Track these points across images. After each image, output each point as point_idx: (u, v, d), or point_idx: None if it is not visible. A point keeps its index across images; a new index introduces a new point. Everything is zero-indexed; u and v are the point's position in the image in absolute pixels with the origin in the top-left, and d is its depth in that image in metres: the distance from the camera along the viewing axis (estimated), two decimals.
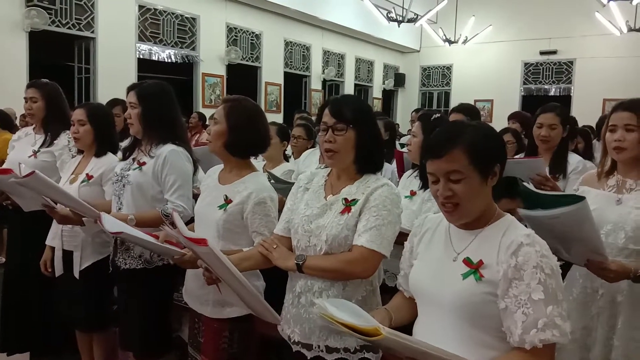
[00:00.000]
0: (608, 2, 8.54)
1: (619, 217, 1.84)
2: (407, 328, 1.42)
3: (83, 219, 2.19)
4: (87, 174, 2.47)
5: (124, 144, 2.49)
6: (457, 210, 1.27)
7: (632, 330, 1.82)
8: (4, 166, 2.34)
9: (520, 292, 1.17)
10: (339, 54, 12.49)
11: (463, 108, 3.27)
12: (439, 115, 2.34)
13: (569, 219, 1.60)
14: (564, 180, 2.59)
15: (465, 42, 12.03)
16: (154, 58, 8.29)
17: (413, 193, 2.31)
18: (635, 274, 1.71)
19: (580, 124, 4.33)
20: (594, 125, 5.54)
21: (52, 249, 2.58)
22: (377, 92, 14.04)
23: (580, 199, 1.61)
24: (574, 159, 2.67)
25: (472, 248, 1.29)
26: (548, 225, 1.62)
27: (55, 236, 2.54)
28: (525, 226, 1.30)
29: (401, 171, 2.73)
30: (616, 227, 1.84)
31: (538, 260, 1.17)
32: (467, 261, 1.27)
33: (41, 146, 2.82)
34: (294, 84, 11.39)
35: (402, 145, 4.09)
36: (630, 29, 10.07)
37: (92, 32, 7.41)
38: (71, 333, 2.69)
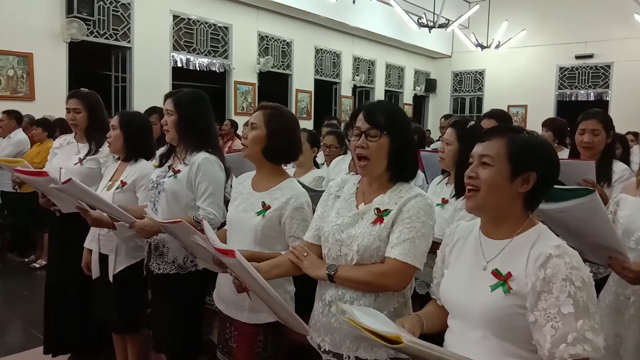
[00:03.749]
0: None
1: None
2: (439, 336, 1.41)
3: (115, 223, 2.27)
4: (121, 181, 2.54)
5: (161, 151, 2.55)
6: (475, 196, 1.28)
7: None
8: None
9: (549, 305, 1.14)
10: (370, 61, 12.49)
11: (495, 114, 3.23)
12: (474, 122, 2.31)
13: (579, 212, 1.57)
14: (609, 189, 2.50)
15: (497, 46, 11.86)
16: (188, 67, 8.46)
17: (445, 201, 2.28)
18: None
19: (617, 130, 4.22)
20: (638, 130, 5.39)
21: (90, 251, 2.65)
22: (407, 98, 13.96)
23: (591, 192, 1.57)
24: (619, 167, 2.59)
25: (502, 258, 1.27)
26: (562, 221, 1.59)
27: (93, 239, 2.61)
28: (558, 236, 1.28)
29: (422, 169, 2.77)
30: None
31: (567, 272, 1.14)
32: (496, 273, 1.25)
33: (87, 154, 2.90)
34: (325, 90, 11.43)
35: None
36: None
37: (129, 42, 7.62)
38: (108, 334, 2.76)
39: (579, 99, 12.43)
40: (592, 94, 12.33)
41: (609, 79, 12.09)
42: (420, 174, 3.17)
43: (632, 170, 2.78)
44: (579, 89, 12.52)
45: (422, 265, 1.54)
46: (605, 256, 1.73)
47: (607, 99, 12.04)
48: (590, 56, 12.10)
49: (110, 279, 2.53)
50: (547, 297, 1.15)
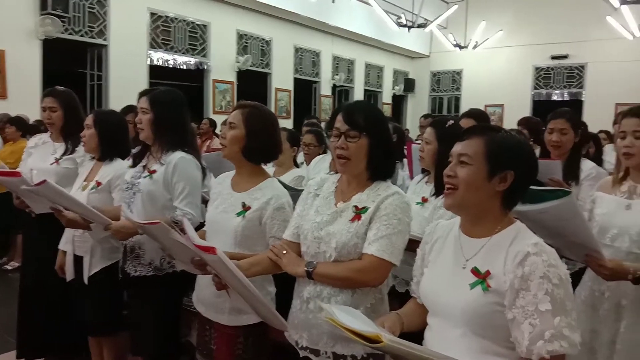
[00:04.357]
0: (620, 5, 8.47)
1: (626, 222, 1.86)
2: (419, 334, 1.42)
3: (90, 224, 2.24)
4: (96, 181, 2.50)
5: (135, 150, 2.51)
6: (454, 194, 1.30)
7: (634, 334, 1.83)
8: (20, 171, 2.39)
9: (527, 302, 1.16)
10: (349, 60, 12.52)
11: (473, 113, 3.27)
12: (452, 122, 2.33)
13: (556, 213, 1.60)
14: (577, 187, 2.55)
15: (475, 47, 12.01)
16: (165, 65, 8.37)
17: (425, 200, 2.30)
18: (635, 275, 1.71)
19: (592, 129, 4.30)
20: (610, 129, 5.50)
21: (65, 253, 2.60)
22: (387, 97, 14.04)
23: (567, 193, 1.60)
24: (587, 165, 2.64)
25: (481, 257, 1.29)
26: (540, 221, 1.61)
27: (68, 241, 2.57)
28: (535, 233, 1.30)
29: (410, 162, 2.85)
30: (621, 231, 1.86)
31: (545, 270, 1.16)
32: (475, 271, 1.27)
33: (63, 154, 2.84)
34: (304, 89, 11.42)
35: None
36: None
37: (105, 39, 7.50)
38: (85, 337, 2.71)
39: (554, 99, 12.65)
40: (566, 93, 12.57)
41: (583, 79, 12.34)
42: (400, 172, 3.19)
43: (604, 169, 2.85)
44: (554, 88, 12.75)
45: (398, 261, 1.56)
46: (581, 254, 1.76)
47: (582, 98, 12.28)
48: (565, 57, 12.33)
49: (85, 281, 2.48)
50: (525, 295, 1.17)
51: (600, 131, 6.31)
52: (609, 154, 4.41)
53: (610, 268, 1.72)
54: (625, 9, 8.87)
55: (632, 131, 1.87)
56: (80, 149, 2.81)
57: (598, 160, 3.73)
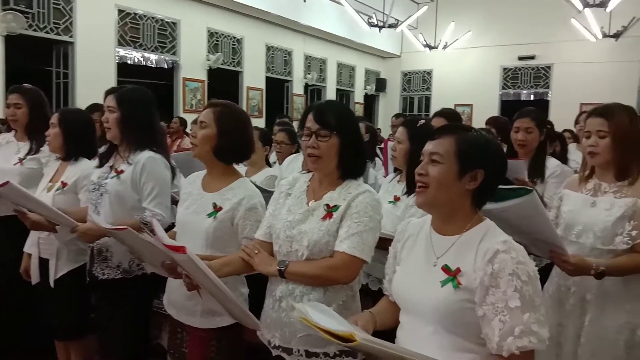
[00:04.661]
0: (583, 8, 8.71)
1: (590, 218, 1.91)
2: (392, 332, 1.43)
3: (56, 226, 2.18)
4: (62, 182, 2.44)
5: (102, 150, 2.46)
6: (425, 192, 1.31)
7: (598, 328, 1.88)
8: None
9: (496, 299, 1.18)
10: (321, 59, 12.51)
11: (445, 113, 3.33)
12: (424, 121, 2.35)
13: (518, 212, 1.63)
14: (542, 185, 2.62)
15: (445, 47, 12.17)
16: (134, 63, 8.21)
17: (397, 198, 2.32)
18: (597, 270, 1.76)
19: (557, 129, 4.40)
20: (573, 129, 5.65)
21: (30, 256, 2.53)
22: (358, 97, 14.09)
23: (529, 191, 1.64)
24: (552, 163, 2.72)
25: (451, 254, 1.30)
26: (505, 220, 1.65)
27: (33, 243, 2.50)
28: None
29: (385, 160, 2.87)
30: (586, 227, 1.91)
31: (514, 267, 1.18)
32: (446, 268, 1.28)
33: (27, 154, 2.77)
34: (276, 88, 11.37)
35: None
36: (604, 35, 10.33)
37: (71, 36, 7.31)
38: (51, 340, 2.64)
39: (521, 99, 12.92)
40: (533, 94, 12.86)
41: (549, 80, 12.64)
42: (372, 171, 3.21)
43: (570, 167, 2.92)
44: (522, 88, 13.01)
45: (369, 258, 1.59)
46: (546, 250, 1.81)
47: (548, 98, 12.58)
48: (532, 57, 12.60)
49: (51, 284, 2.42)
50: (495, 292, 1.19)
51: (565, 130, 6.47)
52: (573, 152, 4.53)
53: (574, 263, 1.77)
54: (588, 12, 9.12)
55: (596, 131, 1.92)
56: (46, 149, 2.75)
57: (564, 158, 3.82)
